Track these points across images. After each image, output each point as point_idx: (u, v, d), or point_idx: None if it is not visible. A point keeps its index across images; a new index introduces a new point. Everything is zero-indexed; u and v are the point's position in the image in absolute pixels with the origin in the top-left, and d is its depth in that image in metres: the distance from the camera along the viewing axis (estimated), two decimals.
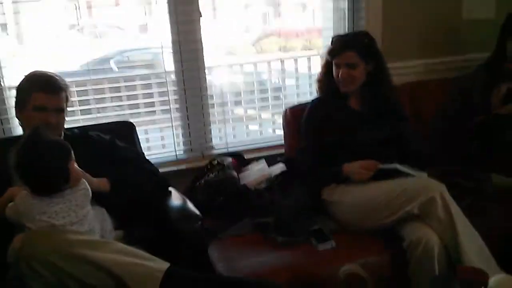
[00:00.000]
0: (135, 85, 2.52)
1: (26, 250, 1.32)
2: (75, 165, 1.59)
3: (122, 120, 2.26)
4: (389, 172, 1.91)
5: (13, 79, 2.17)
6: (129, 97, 2.50)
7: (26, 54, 2.31)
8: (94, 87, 2.41)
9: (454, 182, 1.98)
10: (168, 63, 2.43)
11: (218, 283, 1.43)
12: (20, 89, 1.77)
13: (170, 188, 1.97)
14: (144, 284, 1.35)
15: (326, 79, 2.16)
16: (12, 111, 1.94)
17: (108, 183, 1.73)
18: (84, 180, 1.60)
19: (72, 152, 1.58)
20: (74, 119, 2.34)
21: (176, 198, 1.87)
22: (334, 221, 1.98)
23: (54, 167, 1.49)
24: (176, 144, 2.53)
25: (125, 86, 2.51)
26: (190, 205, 1.80)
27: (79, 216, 1.52)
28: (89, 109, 2.41)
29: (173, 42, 2.38)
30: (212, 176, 2.14)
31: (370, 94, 2.11)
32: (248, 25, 2.70)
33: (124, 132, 2.18)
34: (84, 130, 1.97)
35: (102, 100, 2.44)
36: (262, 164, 2.29)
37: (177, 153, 2.53)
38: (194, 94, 2.47)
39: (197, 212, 1.75)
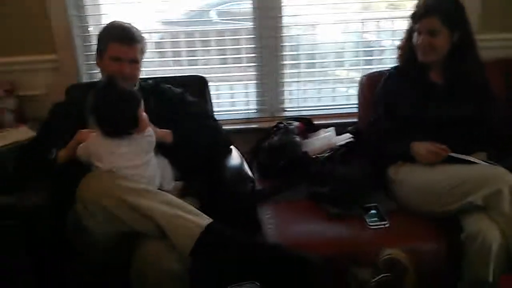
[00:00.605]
0: (224, 39, 2.52)
1: (81, 191, 1.44)
2: (144, 114, 1.68)
3: (195, 74, 2.30)
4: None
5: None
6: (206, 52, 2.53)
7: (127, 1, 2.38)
8: (186, 39, 2.49)
9: None
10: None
11: (254, 247, 1.45)
12: (100, 38, 1.87)
13: (232, 147, 2.01)
14: (182, 236, 1.42)
15: (407, 47, 2.00)
16: None
17: (171, 135, 1.79)
18: (150, 128, 1.69)
19: (142, 101, 1.66)
20: (167, 69, 2.47)
21: (234, 158, 1.90)
22: (394, 200, 1.89)
23: (125, 112, 1.60)
24: (248, 103, 2.54)
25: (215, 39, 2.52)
26: (245, 166, 1.83)
27: (143, 160, 1.62)
28: (180, 60, 2.50)
29: None
30: (276, 139, 2.13)
31: (453, 67, 1.93)
32: None
33: (196, 86, 2.23)
34: (157, 82, 2.04)
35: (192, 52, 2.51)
36: (330, 132, 2.23)
37: (249, 112, 2.55)
38: (270, 53, 2.43)
39: (250, 174, 1.78)
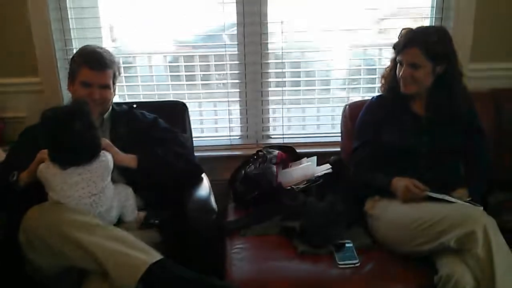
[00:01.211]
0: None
1: (24, 223, 1.39)
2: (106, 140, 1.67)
3: (175, 100, 2.26)
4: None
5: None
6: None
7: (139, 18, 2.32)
8: (185, 63, 2.46)
9: None
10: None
11: (201, 286, 1.36)
12: (71, 63, 1.84)
13: (204, 176, 1.95)
14: (123, 274, 1.34)
15: (390, 76, 1.92)
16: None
17: (136, 161, 1.74)
18: (105, 152, 1.63)
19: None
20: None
21: (202, 188, 1.84)
22: (370, 237, 1.79)
23: (78, 147, 1.54)
24: (231, 129, 2.49)
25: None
26: (211, 197, 1.77)
27: (98, 188, 1.56)
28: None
29: (238, 24, 2.30)
30: (252, 168, 2.06)
31: (438, 98, 1.84)
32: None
33: (175, 112, 2.19)
34: (130, 107, 2.00)
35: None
36: (311, 162, 2.16)
37: (232, 138, 2.49)
38: (254, 79, 2.38)
39: (214, 205, 1.71)
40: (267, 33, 2.32)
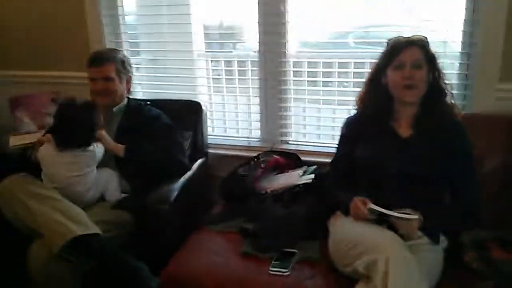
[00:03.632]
0: None
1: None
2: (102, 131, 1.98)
3: (190, 99, 2.46)
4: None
5: None
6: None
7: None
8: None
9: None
10: None
11: (115, 266, 1.56)
12: None
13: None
14: (53, 237, 1.62)
15: (369, 95, 1.83)
16: None
17: (123, 151, 2.02)
18: (97, 145, 1.96)
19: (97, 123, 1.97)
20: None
21: (175, 182, 2.02)
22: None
23: (78, 132, 1.91)
24: (250, 131, 2.62)
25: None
26: (173, 192, 1.94)
27: (81, 171, 1.90)
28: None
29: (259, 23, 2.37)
30: (241, 170, 2.16)
31: (426, 113, 1.73)
32: None
33: (189, 111, 2.40)
34: (140, 103, 2.27)
35: None
36: (303, 170, 2.16)
37: (250, 140, 2.61)
38: (273, 85, 2.44)
39: (171, 199, 1.89)
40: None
